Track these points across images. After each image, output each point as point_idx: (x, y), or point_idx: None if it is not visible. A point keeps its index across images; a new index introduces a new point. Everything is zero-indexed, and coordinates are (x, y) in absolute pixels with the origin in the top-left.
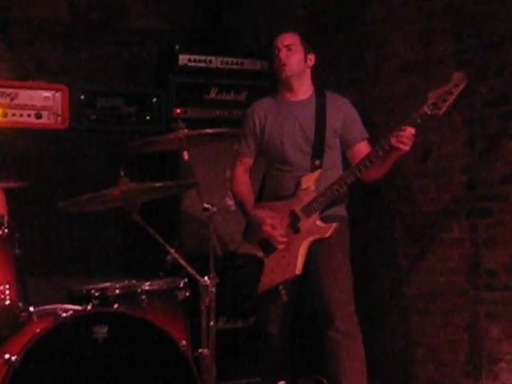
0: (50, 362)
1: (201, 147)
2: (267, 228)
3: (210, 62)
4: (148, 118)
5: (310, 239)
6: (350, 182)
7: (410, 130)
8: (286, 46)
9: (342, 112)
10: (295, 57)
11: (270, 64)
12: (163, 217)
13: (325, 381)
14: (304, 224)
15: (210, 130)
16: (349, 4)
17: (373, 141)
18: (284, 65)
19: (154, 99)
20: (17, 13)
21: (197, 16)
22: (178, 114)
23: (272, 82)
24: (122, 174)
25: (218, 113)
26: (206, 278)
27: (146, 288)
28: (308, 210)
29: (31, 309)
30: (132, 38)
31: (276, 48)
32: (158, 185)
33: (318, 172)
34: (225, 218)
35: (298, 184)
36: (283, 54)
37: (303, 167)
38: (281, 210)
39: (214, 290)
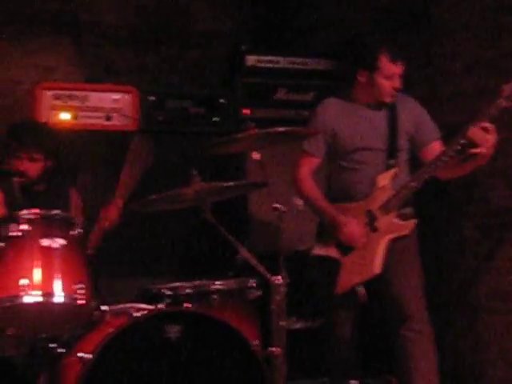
0: (123, 360)
1: (269, 147)
2: (347, 230)
3: (278, 62)
4: (216, 118)
5: (389, 237)
6: (427, 178)
7: (487, 126)
8: (401, 75)
9: (413, 114)
10: None
11: (341, 63)
12: (232, 217)
13: (394, 380)
14: (382, 222)
15: (281, 129)
16: (415, 2)
17: (443, 139)
18: (395, 94)
19: (222, 100)
20: (85, 16)
21: (263, 16)
22: (246, 114)
23: (339, 82)
24: (195, 173)
25: (285, 113)
26: (277, 277)
27: (217, 287)
28: (386, 209)
29: (104, 308)
30: (198, 39)
31: (392, 71)
32: (230, 184)
33: (393, 170)
34: (293, 218)
35: (374, 183)
36: (400, 83)
37: (376, 167)
38: (356, 211)
39: (284, 289)
